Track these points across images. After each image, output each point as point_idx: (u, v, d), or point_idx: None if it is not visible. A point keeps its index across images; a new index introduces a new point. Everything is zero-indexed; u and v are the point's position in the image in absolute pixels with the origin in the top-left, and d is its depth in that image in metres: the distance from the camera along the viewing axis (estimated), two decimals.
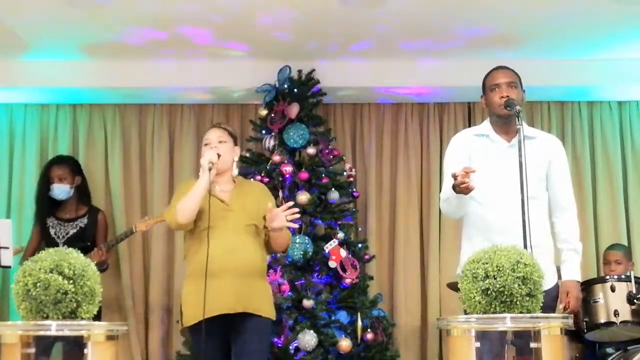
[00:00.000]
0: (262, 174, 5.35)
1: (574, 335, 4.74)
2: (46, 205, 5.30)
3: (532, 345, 2.92)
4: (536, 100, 6.04)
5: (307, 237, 5.23)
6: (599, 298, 4.47)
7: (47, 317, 2.83)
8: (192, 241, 3.69)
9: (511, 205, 3.47)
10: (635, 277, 4.48)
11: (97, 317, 2.98)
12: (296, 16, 5.04)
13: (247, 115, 6.08)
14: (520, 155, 3.41)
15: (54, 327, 2.81)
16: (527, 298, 2.90)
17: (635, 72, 5.76)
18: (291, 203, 3.74)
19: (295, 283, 5.15)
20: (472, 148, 3.78)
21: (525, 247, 3.25)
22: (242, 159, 5.35)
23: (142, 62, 5.73)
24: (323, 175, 5.46)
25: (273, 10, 4.96)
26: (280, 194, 5.27)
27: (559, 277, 3.82)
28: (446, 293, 5.55)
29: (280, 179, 5.36)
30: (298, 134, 5.48)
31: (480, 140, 3.80)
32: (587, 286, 4.47)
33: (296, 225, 3.81)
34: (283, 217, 3.64)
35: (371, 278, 5.57)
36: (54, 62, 5.70)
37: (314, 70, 5.68)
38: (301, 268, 5.24)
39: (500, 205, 3.64)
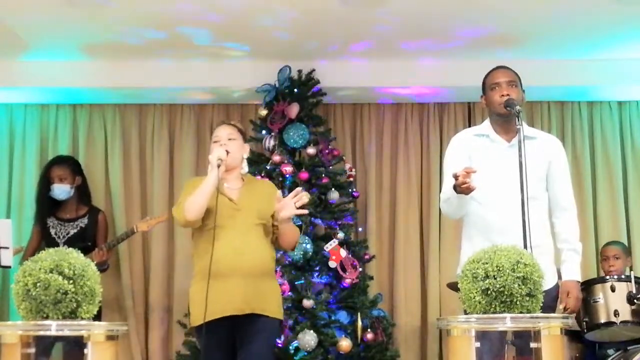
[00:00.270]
0: (262, 174, 5.35)
1: (574, 335, 4.75)
2: (46, 205, 5.31)
3: (532, 345, 2.92)
4: (536, 100, 6.03)
5: (307, 237, 5.23)
6: (599, 298, 4.47)
7: (47, 317, 2.83)
8: (200, 240, 3.64)
9: (511, 205, 3.47)
10: (635, 277, 4.48)
11: (97, 317, 2.98)
12: (296, 16, 5.04)
13: (247, 115, 6.07)
14: (520, 155, 3.41)
15: (54, 327, 2.81)
16: (527, 298, 2.90)
17: (635, 72, 5.76)
18: (299, 189, 3.67)
19: (295, 283, 5.15)
20: (472, 148, 3.78)
21: (525, 247, 3.26)
22: None
23: (142, 62, 5.73)
24: (323, 175, 5.46)
25: (273, 10, 4.96)
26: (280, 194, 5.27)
27: (559, 277, 3.82)
28: (446, 293, 5.55)
29: (280, 179, 5.36)
30: (298, 134, 5.49)
31: (480, 140, 3.80)
32: (587, 286, 4.46)
33: (306, 211, 3.76)
34: (292, 205, 3.60)
35: (371, 278, 5.57)
36: (54, 62, 5.70)
37: (314, 70, 5.68)
38: (301, 268, 5.24)
39: (500, 205, 3.64)
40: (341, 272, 5.23)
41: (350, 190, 5.63)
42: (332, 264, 5.23)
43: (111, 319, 5.68)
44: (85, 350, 2.83)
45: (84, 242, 5.12)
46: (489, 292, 2.89)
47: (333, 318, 5.17)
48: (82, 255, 2.97)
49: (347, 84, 5.86)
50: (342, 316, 5.20)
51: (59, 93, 5.95)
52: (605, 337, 4.64)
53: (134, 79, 5.79)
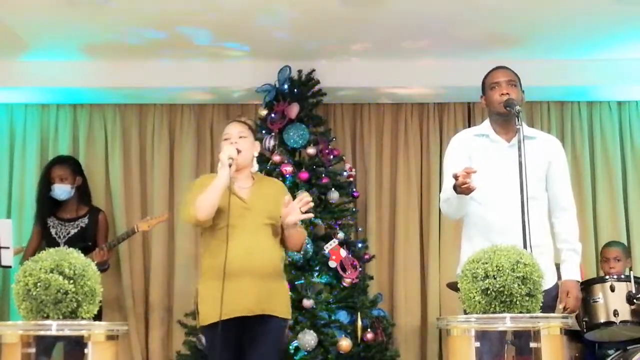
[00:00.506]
0: (262, 174, 5.35)
1: (573, 335, 4.75)
2: (47, 205, 5.31)
3: (532, 345, 2.92)
4: (536, 100, 6.04)
5: (307, 237, 5.23)
6: (599, 298, 4.47)
7: (47, 317, 2.83)
8: (210, 239, 3.61)
9: (511, 205, 3.47)
10: (634, 277, 4.48)
11: (98, 317, 2.98)
12: (296, 16, 5.04)
13: (247, 115, 6.01)
14: (520, 155, 3.41)
15: (54, 327, 2.81)
16: (527, 298, 2.90)
17: (635, 72, 5.76)
18: (305, 194, 3.66)
19: (295, 283, 5.15)
20: (472, 148, 3.78)
21: (525, 247, 3.26)
22: None
23: (142, 62, 5.73)
24: (323, 175, 5.47)
25: (273, 10, 4.96)
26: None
27: (559, 277, 3.82)
28: (446, 293, 5.55)
29: (280, 179, 5.35)
30: (298, 134, 5.49)
31: (480, 140, 3.80)
32: (586, 286, 4.46)
33: (311, 215, 3.75)
34: (298, 210, 3.57)
35: (371, 278, 5.58)
36: (54, 62, 5.70)
37: (314, 70, 5.68)
38: (301, 268, 5.24)
39: (500, 206, 3.64)
40: (341, 272, 5.23)
41: (350, 190, 5.63)
42: (332, 264, 5.23)
43: (111, 318, 5.68)
44: (86, 350, 2.83)
45: (85, 242, 5.12)
46: (488, 292, 2.89)
47: (333, 318, 5.17)
48: (82, 255, 2.97)
49: (347, 84, 5.86)
50: (342, 316, 5.20)
51: (59, 93, 5.96)
52: (604, 337, 4.64)
53: (134, 79, 5.79)
